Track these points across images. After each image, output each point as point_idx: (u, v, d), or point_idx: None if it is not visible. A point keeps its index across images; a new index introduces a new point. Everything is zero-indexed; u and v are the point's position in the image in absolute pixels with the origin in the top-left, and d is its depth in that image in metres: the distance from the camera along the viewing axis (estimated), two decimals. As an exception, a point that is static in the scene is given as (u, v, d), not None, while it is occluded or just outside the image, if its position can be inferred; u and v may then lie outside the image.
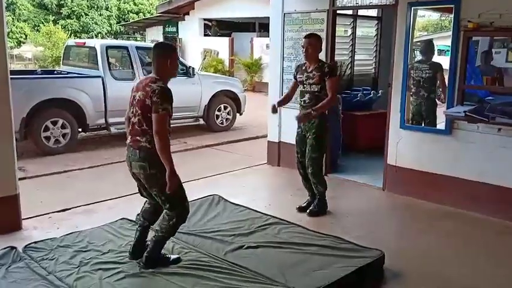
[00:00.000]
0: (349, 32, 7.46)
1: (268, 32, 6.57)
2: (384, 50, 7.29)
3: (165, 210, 3.25)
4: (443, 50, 5.12)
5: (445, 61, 4.82)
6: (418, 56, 5.10)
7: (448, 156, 4.85)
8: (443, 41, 5.00)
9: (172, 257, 3.39)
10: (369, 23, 7.82)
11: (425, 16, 5.22)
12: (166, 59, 3.22)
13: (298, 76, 4.59)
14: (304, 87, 4.51)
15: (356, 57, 7.57)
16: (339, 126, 6.16)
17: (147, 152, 3.11)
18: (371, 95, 7.16)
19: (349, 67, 7.46)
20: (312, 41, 4.48)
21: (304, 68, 4.57)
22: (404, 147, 5.18)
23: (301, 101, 4.56)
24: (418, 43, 5.10)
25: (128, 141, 3.24)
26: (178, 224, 3.28)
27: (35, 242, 3.67)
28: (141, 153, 3.13)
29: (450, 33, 4.65)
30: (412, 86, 5.08)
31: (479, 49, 4.64)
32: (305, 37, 4.58)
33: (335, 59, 5.97)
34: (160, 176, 3.07)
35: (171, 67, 3.25)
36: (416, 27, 5.00)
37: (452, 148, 4.80)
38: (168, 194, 3.09)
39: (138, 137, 3.15)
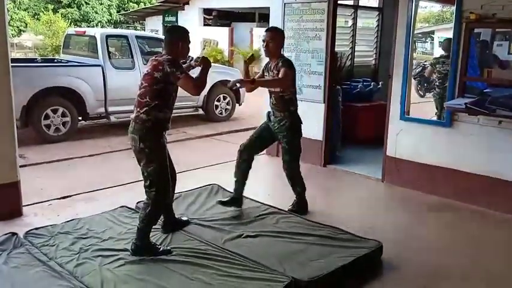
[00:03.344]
0: (350, 22, 7.44)
1: (268, 22, 6.54)
2: (385, 41, 7.27)
3: (145, 191, 3.31)
4: (444, 42, 5.11)
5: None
6: (442, 52, 5.02)
7: (448, 148, 4.86)
8: (444, 33, 5.00)
9: (162, 248, 3.41)
10: (370, 14, 7.79)
11: (427, 7, 5.21)
12: (179, 41, 3.35)
13: (265, 75, 4.26)
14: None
15: (356, 48, 7.54)
16: (338, 117, 6.16)
17: (141, 124, 3.20)
18: (371, 87, 7.15)
19: (349, 58, 7.44)
20: (273, 35, 4.15)
21: (269, 65, 4.22)
22: (404, 138, 5.19)
23: (270, 102, 4.25)
24: (420, 35, 5.09)
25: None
26: (154, 212, 3.30)
27: (36, 228, 3.70)
28: (136, 125, 3.23)
29: (452, 24, 4.64)
30: (437, 80, 5.03)
31: (481, 41, 4.63)
32: (266, 30, 4.24)
33: (335, 49, 5.97)
34: (149, 152, 3.20)
35: (182, 49, 3.38)
36: (418, 19, 4.99)
37: (453, 140, 4.81)
38: (150, 170, 3.20)
39: (138, 109, 3.24)
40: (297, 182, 4.41)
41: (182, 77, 3.20)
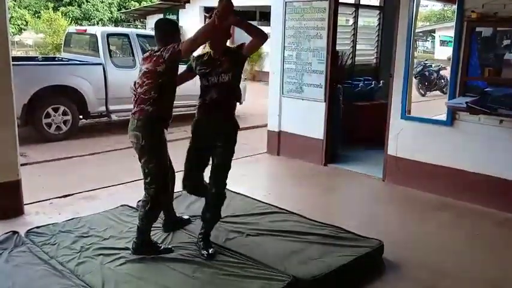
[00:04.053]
0: (351, 21, 7.43)
1: (269, 21, 6.54)
2: (386, 40, 7.26)
3: (144, 187, 3.29)
4: (445, 41, 5.11)
5: (447, 52, 4.81)
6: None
7: (448, 147, 4.86)
8: (446, 32, 5.00)
9: (163, 246, 3.41)
10: (371, 13, 7.77)
11: (428, 6, 5.21)
12: (173, 33, 3.35)
13: (198, 68, 3.40)
14: (208, 81, 3.34)
15: (357, 47, 7.53)
16: (339, 116, 6.16)
17: (145, 119, 3.17)
18: (372, 85, 7.15)
19: (350, 57, 7.43)
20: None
21: (206, 58, 3.39)
22: (405, 138, 5.18)
23: (205, 99, 3.38)
24: (421, 33, 5.08)
25: (131, 112, 3.30)
26: (153, 209, 3.28)
27: (37, 227, 3.70)
28: (139, 122, 3.20)
29: (453, 23, 4.64)
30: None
31: (482, 40, 4.62)
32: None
33: (336, 48, 5.96)
34: (150, 149, 3.18)
35: (177, 41, 3.28)
36: (419, 17, 4.98)
37: (453, 139, 4.81)
38: (151, 167, 3.19)
39: (142, 105, 3.20)
40: (223, 203, 3.54)
41: (181, 44, 3.12)
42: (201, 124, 3.42)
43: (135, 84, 3.33)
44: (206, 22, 3.33)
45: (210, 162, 3.42)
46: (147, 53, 3.38)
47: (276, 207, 4.26)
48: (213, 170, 3.37)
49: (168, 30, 3.37)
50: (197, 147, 3.40)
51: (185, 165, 3.42)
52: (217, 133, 3.37)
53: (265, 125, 6.82)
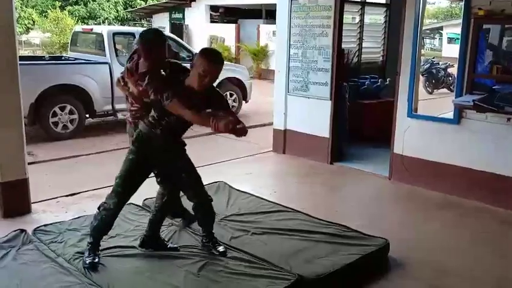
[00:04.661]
0: (357, 19, 7.40)
1: (275, 19, 6.53)
2: (392, 37, 7.23)
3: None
4: (453, 38, 5.07)
5: (454, 49, 4.78)
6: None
7: (455, 145, 4.83)
8: (453, 29, 4.96)
9: (170, 245, 3.42)
10: (377, 10, 7.74)
11: (435, 3, 5.18)
12: (158, 47, 3.22)
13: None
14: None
15: (364, 44, 7.50)
16: (345, 114, 6.14)
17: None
18: (378, 83, 7.12)
19: (356, 55, 7.41)
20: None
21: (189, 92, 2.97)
22: (411, 136, 5.16)
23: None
24: (428, 31, 5.05)
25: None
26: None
27: (44, 225, 3.72)
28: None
29: (460, 21, 4.61)
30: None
31: (490, 37, 4.58)
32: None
33: (342, 46, 5.94)
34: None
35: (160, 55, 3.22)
36: (426, 15, 4.95)
37: (460, 138, 4.78)
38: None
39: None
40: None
41: (173, 100, 2.82)
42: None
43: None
44: (205, 117, 2.84)
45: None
46: (130, 64, 3.29)
47: (282, 205, 4.26)
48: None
49: (156, 42, 3.22)
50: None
51: None
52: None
53: (271, 124, 6.81)
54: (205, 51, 3.03)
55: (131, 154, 3.15)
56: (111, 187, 3.16)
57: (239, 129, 2.85)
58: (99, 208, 3.19)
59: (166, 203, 3.32)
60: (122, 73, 3.50)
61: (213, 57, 2.96)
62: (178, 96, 2.82)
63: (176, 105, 2.82)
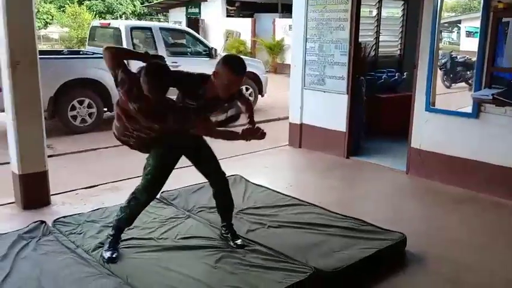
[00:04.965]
0: (374, 12, 7.33)
1: (291, 12, 6.50)
2: (410, 31, 7.15)
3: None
4: (471, 32, 5.00)
5: (473, 43, 4.72)
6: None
7: (473, 140, 4.77)
8: (472, 23, 4.89)
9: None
10: (395, 4, 7.66)
11: (454, -4, 5.11)
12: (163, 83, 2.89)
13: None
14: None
15: (381, 38, 7.44)
16: (362, 108, 6.10)
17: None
18: (396, 77, 7.06)
19: (373, 48, 7.35)
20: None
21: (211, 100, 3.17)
22: (429, 130, 5.11)
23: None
24: (446, 24, 4.98)
25: None
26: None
27: (64, 217, 3.79)
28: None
29: (479, 14, 4.53)
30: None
31: (509, 31, 4.51)
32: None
33: (359, 40, 5.90)
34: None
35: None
36: (444, 8, 4.89)
37: (479, 132, 4.72)
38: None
39: None
40: None
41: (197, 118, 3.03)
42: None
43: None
44: (235, 131, 3.45)
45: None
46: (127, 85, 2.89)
47: (298, 199, 4.27)
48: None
49: (162, 77, 2.85)
50: None
51: None
52: None
53: (287, 118, 6.81)
54: (228, 62, 2.97)
55: (159, 149, 3.32)
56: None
57: (260, 135, 3.41)
58: (128, 202, 3.28)
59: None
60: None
61: (237, 67, 2.96)
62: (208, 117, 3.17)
63: (205, 122, 3.14)
